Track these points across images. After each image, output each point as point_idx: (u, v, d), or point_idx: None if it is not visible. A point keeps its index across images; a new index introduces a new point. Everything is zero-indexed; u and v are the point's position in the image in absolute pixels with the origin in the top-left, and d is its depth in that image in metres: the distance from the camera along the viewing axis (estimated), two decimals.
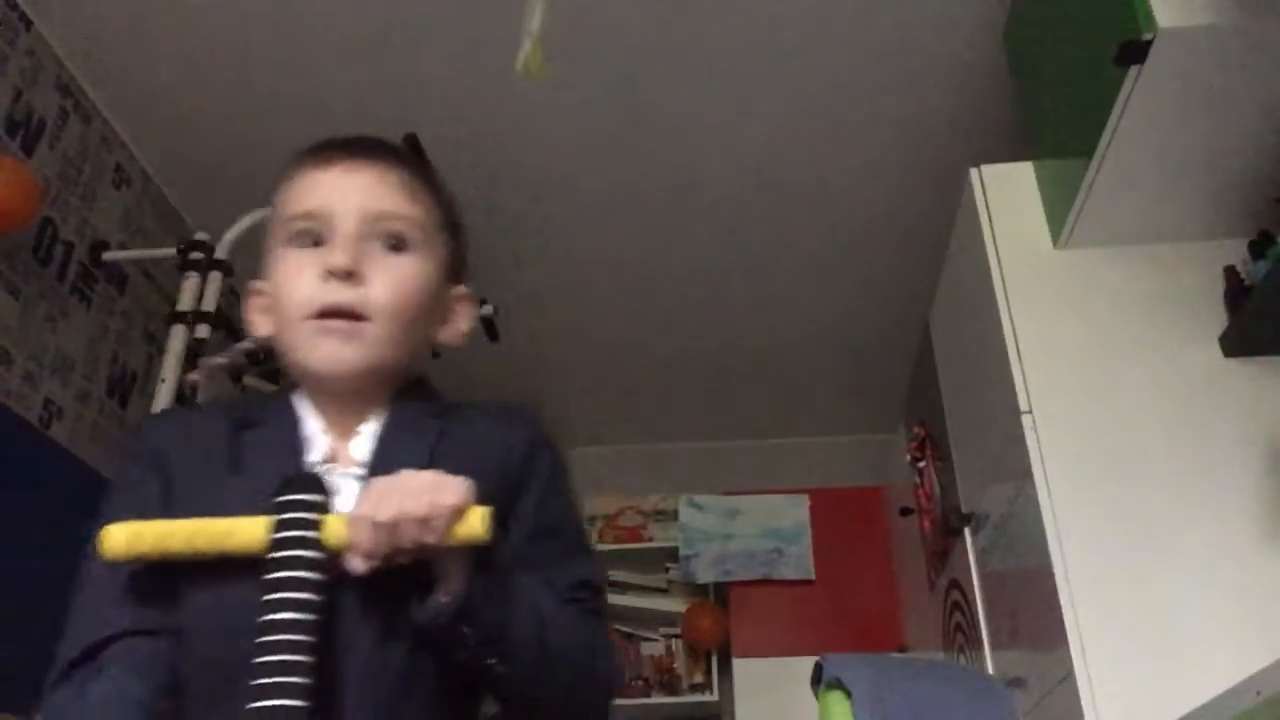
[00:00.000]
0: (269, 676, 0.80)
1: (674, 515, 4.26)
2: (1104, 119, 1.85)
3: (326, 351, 0.96)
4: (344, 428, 0.99)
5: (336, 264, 0.96)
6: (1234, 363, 1.98)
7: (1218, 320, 2.00)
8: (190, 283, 2.75)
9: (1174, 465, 1.90)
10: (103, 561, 0.88)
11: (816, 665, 1.48)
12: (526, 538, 0.96)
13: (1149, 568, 1.82)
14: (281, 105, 2.76)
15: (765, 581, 4.05)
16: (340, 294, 0.96)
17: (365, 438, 0.98)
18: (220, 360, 2.64)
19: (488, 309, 2.86)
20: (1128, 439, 1.93)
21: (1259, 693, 1.11)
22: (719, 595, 4.11)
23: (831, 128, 2.87)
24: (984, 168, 2.28)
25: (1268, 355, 1.96)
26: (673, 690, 4.05)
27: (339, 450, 0.98)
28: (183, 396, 2.61)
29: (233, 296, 2.83)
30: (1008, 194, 2.23)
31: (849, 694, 1.36)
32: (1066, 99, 2.07)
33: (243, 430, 0.98)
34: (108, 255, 2.76)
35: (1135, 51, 1.72)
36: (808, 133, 2.88)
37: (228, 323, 2.76)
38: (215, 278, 2.75)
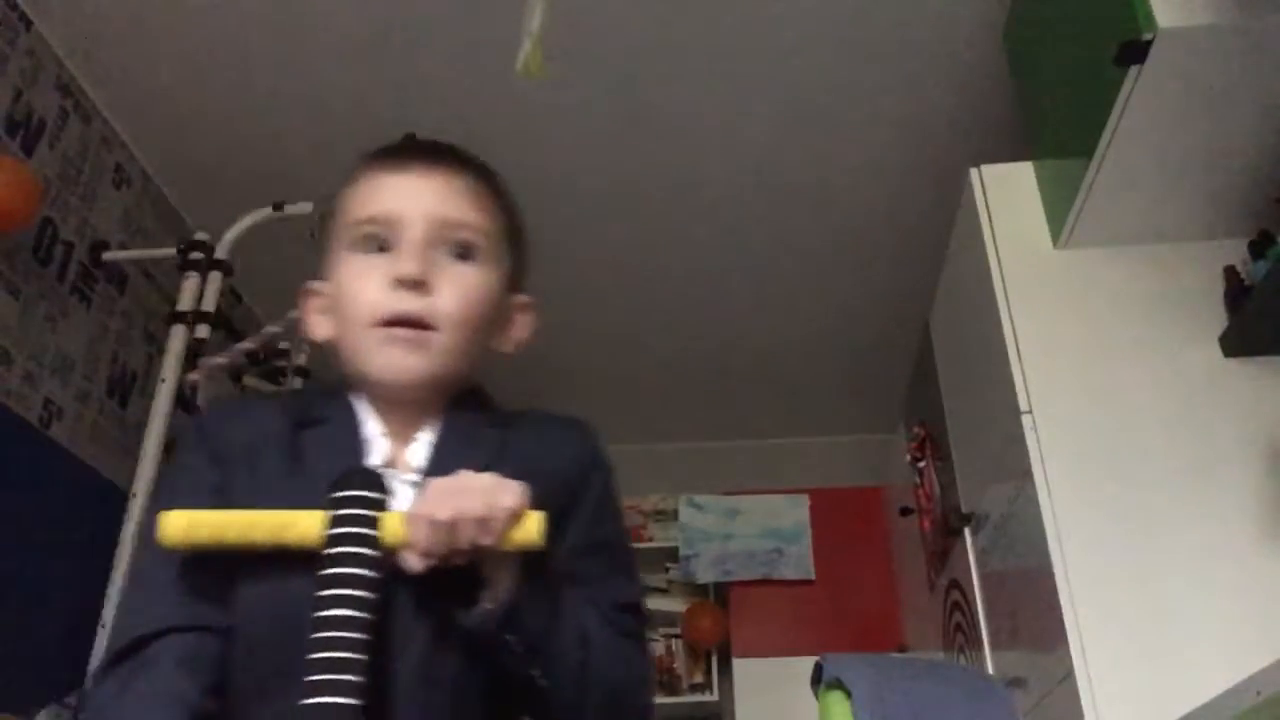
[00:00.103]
0: (323, 673, 0.79)
1: (674, 515, 4.27)
2: (1104, 119, 1.85)
3: (392, 360, 0.95)
4: (402, 433, 0.98)
5: (406, 273, 0.95)
6: (1234, 363, 1.98)
7: (1218, 320, 2.01)
8: (190, 283, 2.75)
9: (1174, 465, 1.90)
10: (156, 553, 0.87)
11: (816, 665, 1.49)
12: (574, 553, 0.96)
13: (1149, 568, 1.82)
14: (281, 105, 2.76)
15: (765, 581, 4.06)
16: (409, 303, 0.95)
17: (422, 444, 0.98)
18: (220, 360, 2.65)
19: None
20: (1128, 439, 1.94)
21: (1259, 693, 1.11)
22: (719, 595, 4.12)
23: (831, 128, 2.86)
24: (984, 168, 2.28)
25: (1268, 355, 1.96)
26: (673, 690, 4.05)
27: (397, 455, 0.97)
28: (183, 396, 2.62)
29: (233, 296, 2.83)
30: (1008, 194, 2.23)
31: (849, 694, 1.36)
32: (1066, 99, 2.07)
33: (303, 428, 0.97)
34: (108, 255, 2.76)
35: (1135, 51, 1.73)
36: (808, 133, 2.88)
37: (228, 323, 2.76)
38: (215, 278, 2.75)
